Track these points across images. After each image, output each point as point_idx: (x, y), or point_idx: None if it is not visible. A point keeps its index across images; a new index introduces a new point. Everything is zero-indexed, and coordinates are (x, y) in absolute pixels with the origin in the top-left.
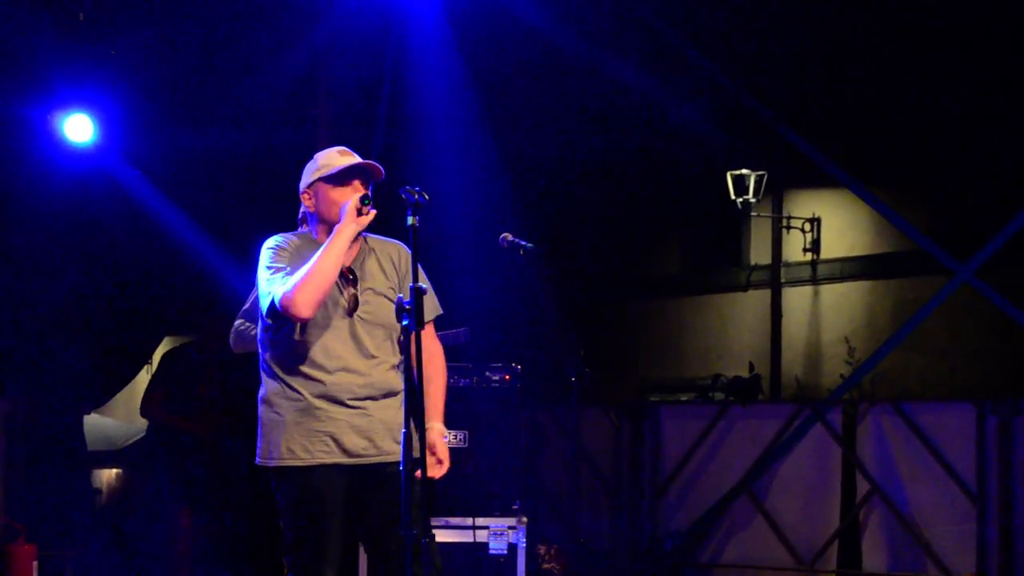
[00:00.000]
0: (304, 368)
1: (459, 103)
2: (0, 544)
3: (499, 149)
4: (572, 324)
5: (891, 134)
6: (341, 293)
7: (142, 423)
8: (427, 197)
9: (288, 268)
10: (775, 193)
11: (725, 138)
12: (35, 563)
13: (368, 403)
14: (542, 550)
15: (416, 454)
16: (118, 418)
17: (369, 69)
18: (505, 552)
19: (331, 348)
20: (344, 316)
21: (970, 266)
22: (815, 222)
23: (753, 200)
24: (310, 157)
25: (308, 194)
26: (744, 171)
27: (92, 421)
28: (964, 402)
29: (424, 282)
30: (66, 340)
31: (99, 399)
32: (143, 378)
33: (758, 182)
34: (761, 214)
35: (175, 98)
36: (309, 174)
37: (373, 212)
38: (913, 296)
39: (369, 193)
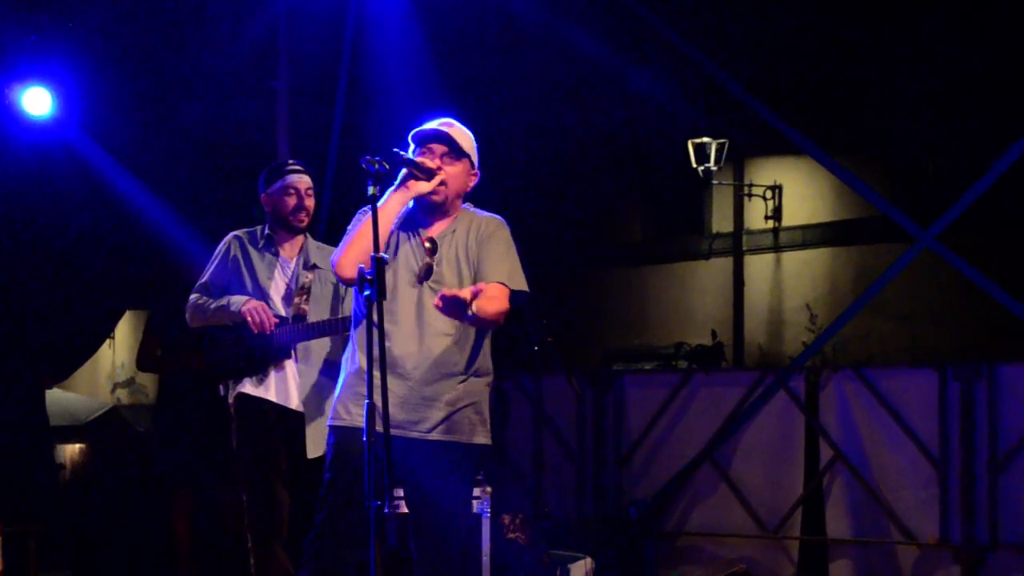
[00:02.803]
0: (370, 334)
1: (420, 73)
2: None
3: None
4: (534, 292)
5: (851, 102)
6: (418, 262)
7: (106, 398)
8: (387, 167)
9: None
10: (736, 161)
11: (686, 106)
12: None
13: (419, 375)
14: (507, 520)
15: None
16: (81, 393)
17: (329, 40)
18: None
19: (396, 315)
20: (415, 285)
21: (931, 231)
22: (776, 190)
23: (714, 168)
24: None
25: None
26: (705, 139)
27: (54, 396)
28: (926, 368)
29: (500, 243)
30: (25, 314)
31: (60, 374)
32: (105, 353)
33: (719, 150)
34: (722, 182)
35: (134, 70)
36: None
37: (423, 182)
38: (875, 262)
39: (426, 162)
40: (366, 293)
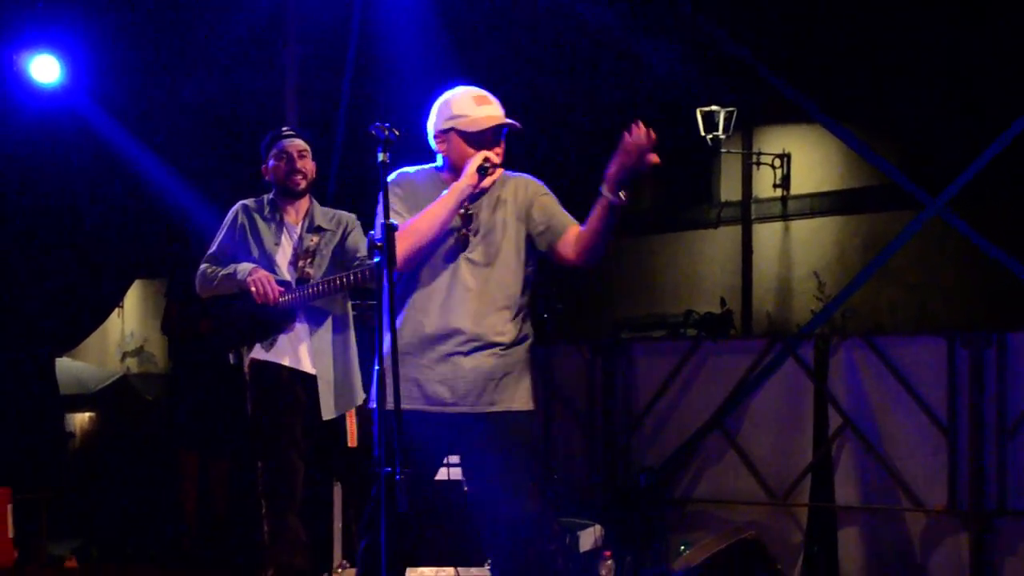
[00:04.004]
0: (408, 309)
1: (429, 44)
2: None
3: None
4: (543, 261)
5: (860, 70)
6: (452, 233)
7: (115, 367)
8: (397, 133)
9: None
10: (745, 129)
11: (695, 75)
12: (10, 506)
13: (461, 348)
14: None
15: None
16: (90, 362)
17: (337, 12)
18: None
19: (434, 290)
20: (453, 258)
21: (941, 199)
22: (785, 158)
23: (723, 136)
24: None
25: (440, 139)
26: (714, 107)
27: (64, 365)
28: (935, 336)
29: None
30: (34, 284)
31: (70, 343)
32: (114, 322)
33: (728, 118)
34: (731, 150)
35: (143, 39)
36: (443, 119)
37: (498, 172)
38: (883, 230)
39: (500, 150)
40: (376, 259)
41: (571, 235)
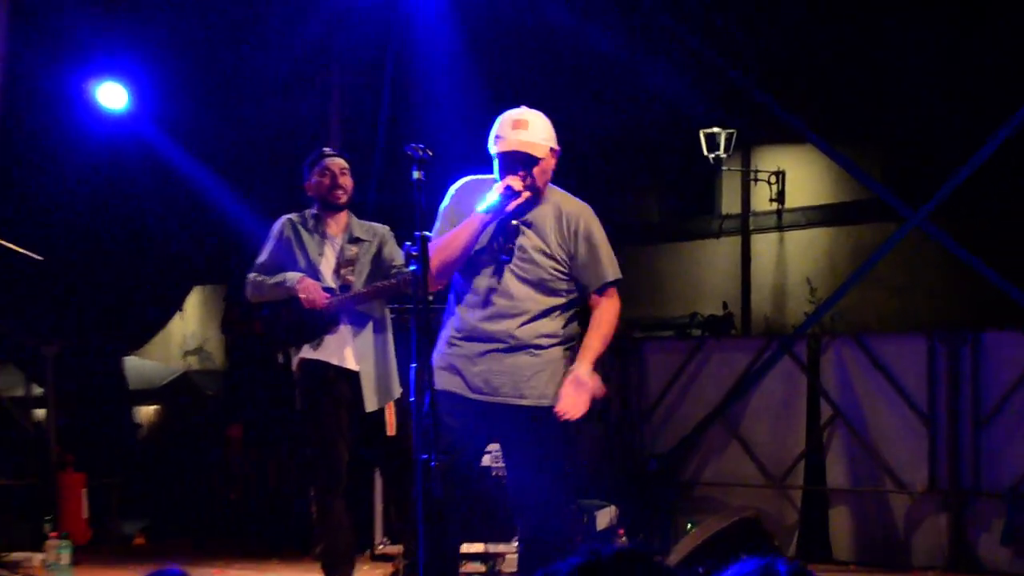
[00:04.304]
0: (459, 307)
1: (458, 70)
2: (53, 473)
3: (496, 112)
4: None
5: (849, 94)
6: (495, 240)
7: (177, 364)
8: (431, 153)
9: (443, 222)
10: (744, 149)
11: (698, 99)
12: (84, 490)
13: (501, 347)
14: None
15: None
16: (155, 360)
17: (376, 41)
18: (505, 475)
19: (482, 294)
20: (500, 268)
21: (921, 212)
22: (780, 175)
23: (724, 156)
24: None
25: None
26: (716, 129)
27: (132, 363)
28: (916, 335)
29: (599, 244)
30: (105, 290)
31: (137, 343)
32: (176, 324)
33: (728, 139)
34: (731, 168)
35: (201, 67)
36: (490, 139)
37: (522, 196)
38: (869, 240)
39: (513, 184)
40: (411, 268)
41: (592, 299)
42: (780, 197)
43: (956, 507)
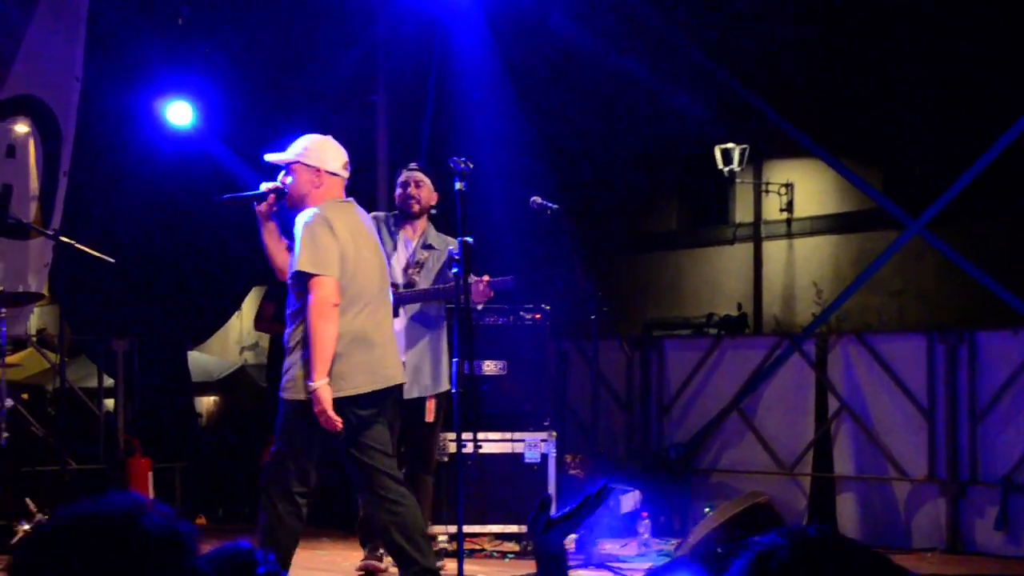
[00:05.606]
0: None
1: (496, 91)
2: (122, 458)
3: (529, 129)
4: (590, 271)
5: (854, 111)
6: None
7: (235, 359)
8: (471, 166)
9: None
10: (756, 163)
11: (714, 117)
12: (150, 474)
13: None
14: (569, 459)
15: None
16: (214, 355)
17: (420, 62)
18: (539, 460)
19: None
20: None
21: (920, 220)
22: (790, 186)
23: (738, 169)
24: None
25: None
26: (730, 145)
27: (194, 357)
28: (917, 334)
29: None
30: (171, 291)
31: (199, 339)
32: (234, 322)
33: (742, 154)
34: (744, 180)
35: (261, 87)
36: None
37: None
38: (872, 247)
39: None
40: (453, 271)
41: None
42: (789, 207)
43: (954, 494)
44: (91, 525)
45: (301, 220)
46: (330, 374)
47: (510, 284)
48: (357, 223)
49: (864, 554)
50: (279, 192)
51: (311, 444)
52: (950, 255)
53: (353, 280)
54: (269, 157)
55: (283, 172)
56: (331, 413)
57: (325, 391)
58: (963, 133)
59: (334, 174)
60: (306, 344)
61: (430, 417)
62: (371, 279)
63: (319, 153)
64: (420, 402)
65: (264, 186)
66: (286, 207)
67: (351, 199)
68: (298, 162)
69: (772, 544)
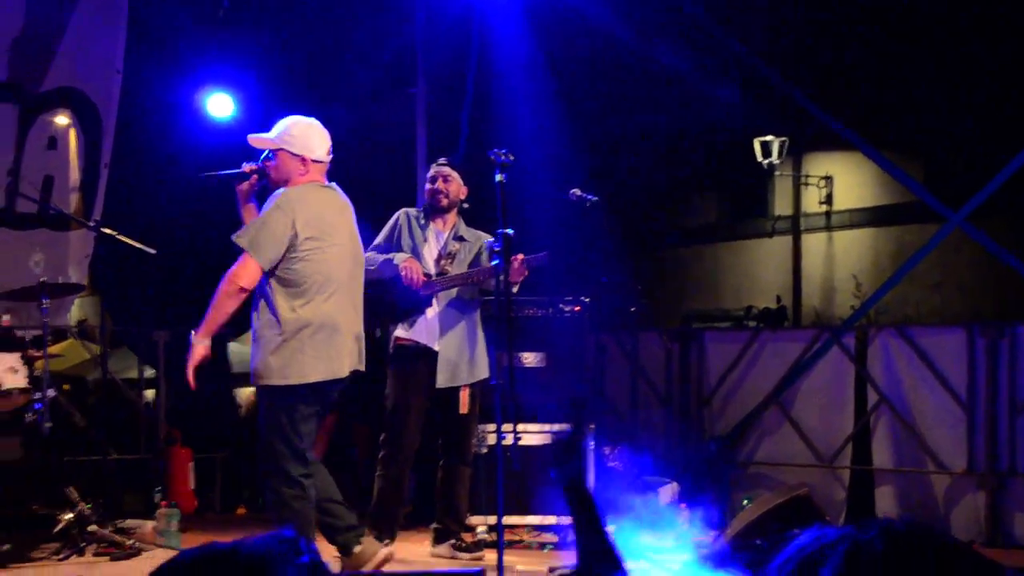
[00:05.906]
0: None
1: (534, 83)
2: (163, 448)
3: (569, 120)
4: (630, 264)
5: (895, 103)
6: None
7: None
8: (512, 158)
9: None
10: (795, 155)
11: (754, 110)
12: (191, 463)
13: None
14: (607, 450)
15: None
16: None
17: (458, 54)
18: None
19: None
20: None
21: (961, 213)
22: (829, 179)
23: (777, 161)
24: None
25: None
26: (769, 137)
27: (233, 348)
28: (957, 327)
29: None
30: (211, 282)
31: (239, 330)
32: None
33: (781, 146)
34: (783, 173)
35: (301, 79)
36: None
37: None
38: (912, 240)
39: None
40: (494, 262)
41: None
42: (828, 200)
43: (993, 487)
44: (233, 559)
45: (272, 199)
46: (289, 360)
47: (545, 261)
48: (333, 209)
49: (956, 549)
50: (260, 173)
51: (295, 424)
52: (991, 248)
53: (321, 266)
54: (252, 139)
55: (266, 154)
56: (191, 370)
57: (200, 351)
58: (1004, 126)
59: (318, 161)
60: (270, 326)
61: (464, 409)
62: (342, 265)
63: (305, 140)
64: (454, 392)
65: (246, 166)
66: (268, 187)
67: (332, 184)
68: (283, 149)
69: (858, 538)
